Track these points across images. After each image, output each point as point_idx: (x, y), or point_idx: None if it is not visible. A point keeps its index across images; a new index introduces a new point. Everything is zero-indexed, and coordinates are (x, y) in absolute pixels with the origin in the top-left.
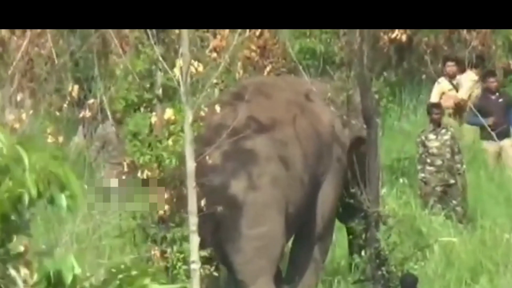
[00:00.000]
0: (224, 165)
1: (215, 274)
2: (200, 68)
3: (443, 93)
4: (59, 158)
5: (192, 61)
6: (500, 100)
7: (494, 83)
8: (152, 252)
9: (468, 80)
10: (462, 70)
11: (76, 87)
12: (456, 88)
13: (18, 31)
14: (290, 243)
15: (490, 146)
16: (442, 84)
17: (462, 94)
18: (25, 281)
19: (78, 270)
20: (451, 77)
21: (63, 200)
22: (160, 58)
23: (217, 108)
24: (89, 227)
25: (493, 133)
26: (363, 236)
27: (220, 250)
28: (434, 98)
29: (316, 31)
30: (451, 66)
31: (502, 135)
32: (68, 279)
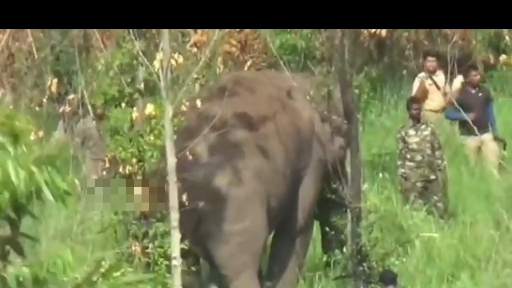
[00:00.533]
0: (207, 159)
1: (194, 269)
2: (180, 60)
3: (424, 88)
4: (41, 163)
5: (172, 53)
6: (480, 94)
7: (477, 76)
8: (133, 248)
9: (459, 82)
10: (442, 66)
11: (55, 81)
12: (436, 83)
13: None
14: (270, 238)
15: (470, 141)
16: (422, 79)
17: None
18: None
19: (73, 264)
20: (431, 73)
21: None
22: (141, 53)
23: (198, 102)
24: (73, 222)
25: (475, 128)
26: (345, 231)
27: (203, 245)
28: (415, 92)
29: None
30: (431, 61)
31: (482, 130)
32: (64, 271)
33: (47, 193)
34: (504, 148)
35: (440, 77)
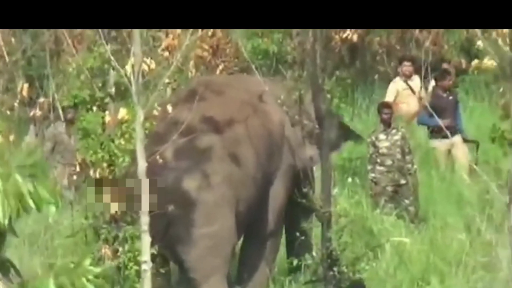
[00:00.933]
0: (177, 164)
1: (163, 271)
2: (153, 65)
3: (397, 93)
4: (25, 174)
5: (145, 58)
6: (451, 97)
7: (450, 81)
8: (103, 251)
9: (431, 86)
10: (417, 70)
11: (26, 85)
12: (412, 88)
13: None
14: (240, 242)
15: (440, 144)
16: (397, 84)
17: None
18: None
19: None
20: (407, 77)
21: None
22: (112, 57)
23: (169, 107)
24: (41, 227)
25: (447, 132)
26: (312, 236)
27: (172, 249)
28: (389, 97)
29: (268, 30)
30: (407, 66)
31: (452, 133)
32: None
33: (31, 203)
34: (477, 149)
35: (415, 81)
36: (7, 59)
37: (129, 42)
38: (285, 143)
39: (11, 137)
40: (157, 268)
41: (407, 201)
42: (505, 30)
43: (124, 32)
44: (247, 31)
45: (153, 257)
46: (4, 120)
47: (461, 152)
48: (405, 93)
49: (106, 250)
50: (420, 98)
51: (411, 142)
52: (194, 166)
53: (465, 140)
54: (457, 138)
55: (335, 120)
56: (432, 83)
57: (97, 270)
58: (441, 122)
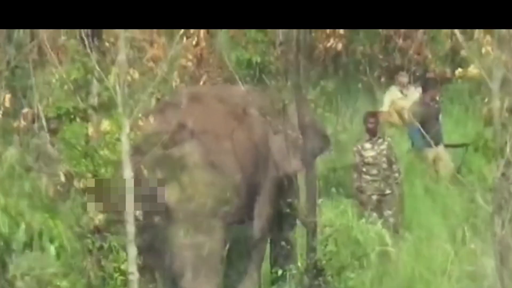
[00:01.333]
0: (159, 174)
1: (150, 286)
2: (136, 75)
3: (392, 102)
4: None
5: (128, 68)
6: (436, 106)
7: (435, 90)
8: (85, 263)
9: (417, 93)
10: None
11: (8, 96)
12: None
13: None
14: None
15: (426, 154)
16: (392, 93)
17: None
18: None
19: None
20: (402, 87)
21: (52, 250)
22: (97, 67)
23: (151, 119)
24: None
25: (431, 142)
26: (297, 245)
27: (160, 260)
28: (384, 106)
29: (252, 40)
30: (403, 76)
31: (437, 142)
32: None
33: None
34: (466, 150)
35: (411, 91)
36: None
37: (113, 52)
38: (269, 154)
39: None
40: (144, 281)
41: (389, 212)
42: (488, 38)
43: (107, 42)
44: (231, 41)
45: (140, 268)
46: None
47: (443, 161)
48: (400, 102)
49: (91, 261)
50: (402, 109)
51: (397, 151)
52: (176, 176)
53: (452, 145)
54: (440, 147)
55: (317, 127)
56: (419, 91)
57: None
58: (428, 137)
